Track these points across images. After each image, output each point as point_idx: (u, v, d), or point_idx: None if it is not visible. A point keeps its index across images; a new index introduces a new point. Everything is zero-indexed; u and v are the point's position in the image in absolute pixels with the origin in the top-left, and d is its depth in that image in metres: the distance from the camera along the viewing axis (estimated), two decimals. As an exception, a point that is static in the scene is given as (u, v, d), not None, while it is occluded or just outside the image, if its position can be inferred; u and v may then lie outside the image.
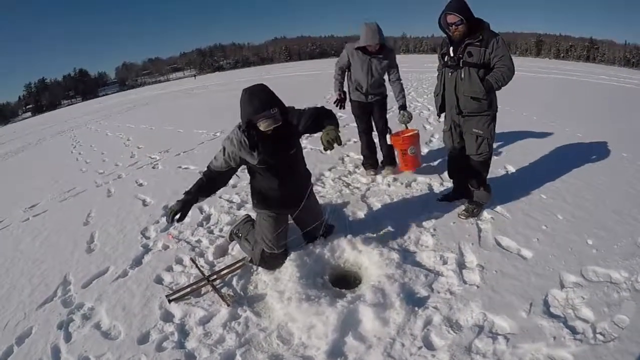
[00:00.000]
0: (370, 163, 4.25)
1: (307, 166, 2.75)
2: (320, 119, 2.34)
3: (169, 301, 2.45)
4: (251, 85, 2.23)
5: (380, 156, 4.24)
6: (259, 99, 2.15)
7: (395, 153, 4.01)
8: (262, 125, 2.16)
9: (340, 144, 2.20)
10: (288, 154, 2.43)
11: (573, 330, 1.94)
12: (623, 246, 2.59)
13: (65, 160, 8.12)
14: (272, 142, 2.29)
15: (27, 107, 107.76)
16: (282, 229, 2.63)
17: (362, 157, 4.37)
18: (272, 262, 2.64)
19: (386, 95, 3.99)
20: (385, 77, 3.90)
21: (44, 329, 2.41)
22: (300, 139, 2.56)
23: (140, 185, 5.04)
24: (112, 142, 9.23)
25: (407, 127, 4.00)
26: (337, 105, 3.91)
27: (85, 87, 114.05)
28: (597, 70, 24.14)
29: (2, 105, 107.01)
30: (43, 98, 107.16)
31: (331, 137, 2.16)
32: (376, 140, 4.18)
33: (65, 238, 3.71)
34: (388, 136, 4.04)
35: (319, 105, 2.51)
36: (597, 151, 4.50)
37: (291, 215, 2.72)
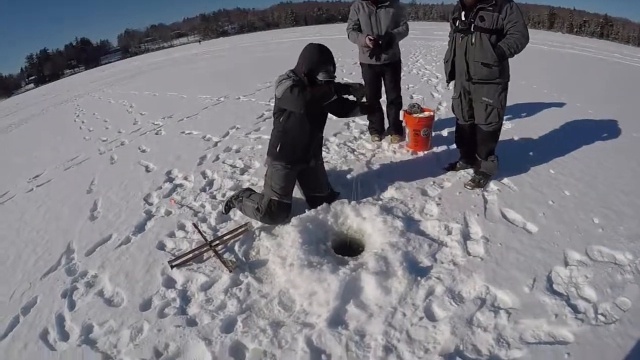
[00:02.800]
0: (375, 128, 4.16)
1: None
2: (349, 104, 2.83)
3: (171, 267, 2.46)
4: (316, 43, 2.61)
5: (387, 123, 4.13)
6: (326, 54, 2.55)
7: (406, 130, 3.86)
8: (321, 76, 2.52)
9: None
10: (325, 110, 2.73)
11: (575, 309, 1.91)
12: (629, 228, 2.51)
13: (69, 129, 8.06)
14: (319, 94, 2.52)
15: (30, 78, 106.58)
16: (292, 182, 2.77)
17: (367, 121, 4.27)
18: (277, 212, 2.67)
19: (399, 60, 3.80)
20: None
21: (49, 298, 2.41)
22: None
23: (143, 151, 5.01)
24: (115, 109, 9.13)
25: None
26: (371, 56, 3.60)
27: (87, 56, 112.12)
28: (611, 47, 23.03)
29: (4, 78, 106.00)
30: (45, 69, 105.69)
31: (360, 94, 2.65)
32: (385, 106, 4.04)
33: (69, 207, 3.70)
34: (401, 112, 3.91)
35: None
36: (607, 129, 4.33)
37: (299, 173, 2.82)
